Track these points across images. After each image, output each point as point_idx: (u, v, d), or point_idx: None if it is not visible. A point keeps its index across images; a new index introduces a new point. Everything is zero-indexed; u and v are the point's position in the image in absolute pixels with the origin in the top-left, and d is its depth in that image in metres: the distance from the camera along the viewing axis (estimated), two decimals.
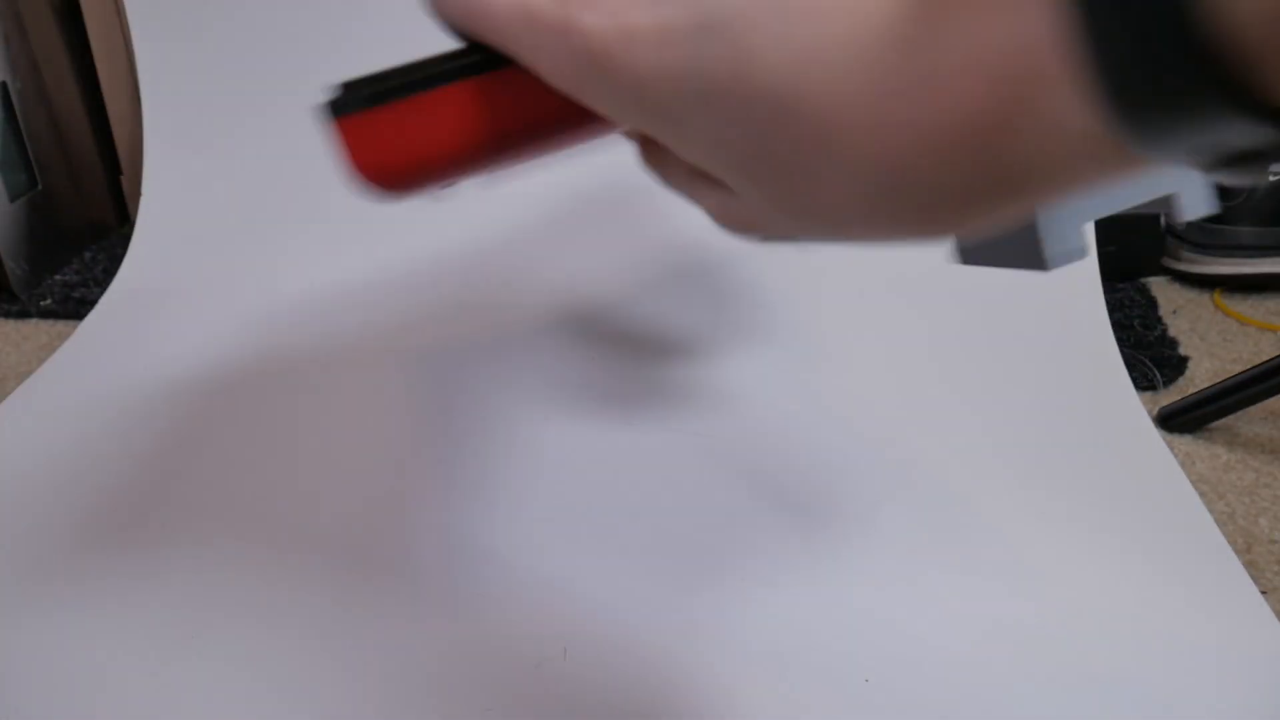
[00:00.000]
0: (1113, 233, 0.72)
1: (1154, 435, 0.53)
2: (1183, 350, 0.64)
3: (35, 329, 0.72)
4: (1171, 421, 0.56)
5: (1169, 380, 0.61)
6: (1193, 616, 0.41)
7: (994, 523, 0.47)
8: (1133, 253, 0.73)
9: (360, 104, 0.24)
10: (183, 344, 0.67)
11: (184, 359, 0.65)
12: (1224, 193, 0.71)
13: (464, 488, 0.51)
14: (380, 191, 0.25)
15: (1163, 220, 0.72)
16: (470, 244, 0.77)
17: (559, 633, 0.40)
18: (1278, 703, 0.37)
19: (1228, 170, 0.15)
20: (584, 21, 0.19)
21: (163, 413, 0.58)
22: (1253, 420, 0.56)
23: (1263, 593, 0.43)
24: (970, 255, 0.31)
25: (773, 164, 0.18)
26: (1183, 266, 0.74)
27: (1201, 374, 0.62)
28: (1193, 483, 0.50)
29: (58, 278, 0.79)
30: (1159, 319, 0.68)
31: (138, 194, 0.82)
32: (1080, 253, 0.28)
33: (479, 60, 0.24)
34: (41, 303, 0.75)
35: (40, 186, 0.79)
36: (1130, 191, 0.29)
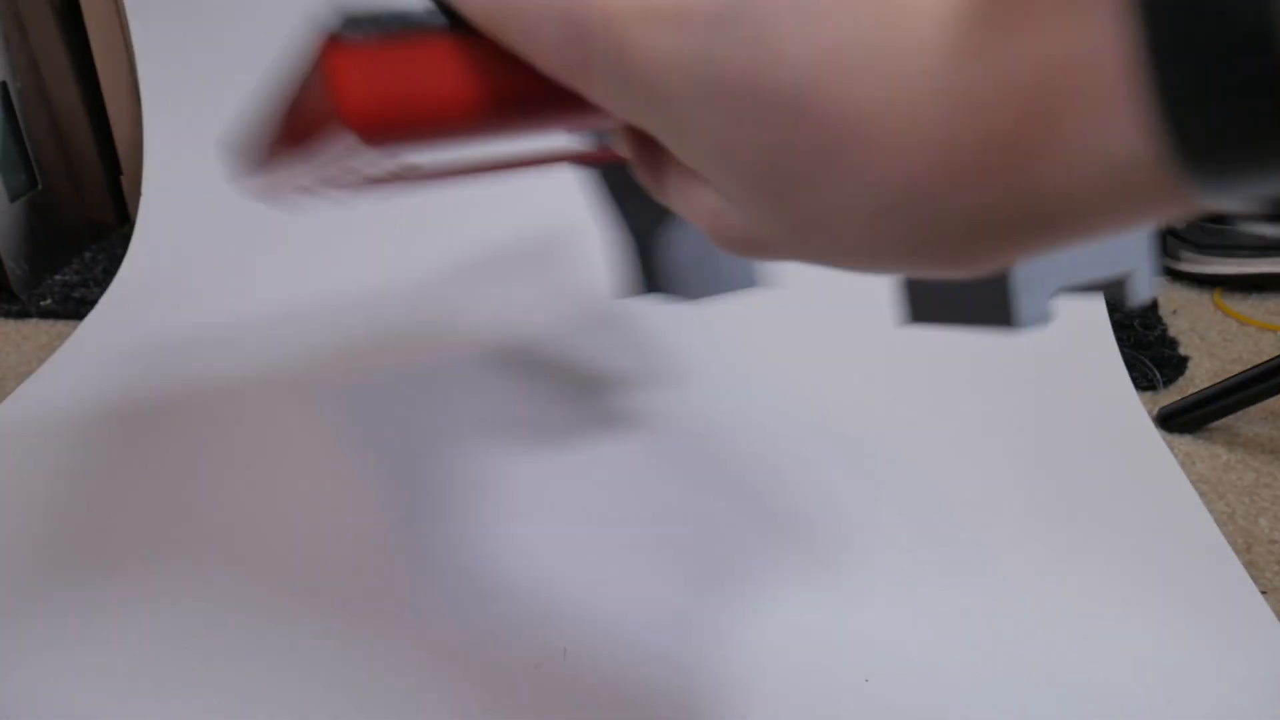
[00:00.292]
0: None
1: (1154, 435, 0.53)
2: (1183, 350, 0.64)
3: (35, 329, 0.72)
4: (1171, 421, 0.56)
5: (1169, 380, 0.61)
6: (1193, 616, 0.41)
7: (994, 523, 0.47)
8: None
9: (366, 38, 0.22)
10: (182, 344, 0.67)
11: (183, 359, 0.65)
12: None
13: (465, 487, 0.51)
14: (361, 140, 0.24)
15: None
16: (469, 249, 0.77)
17: (559, 634, 0.41)
18: (1278, 703, 0.37)
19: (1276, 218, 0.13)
20: None
21: (161, 414, 0.58)
22: (1253, 420, 0.56)
23: (1263, 593, 0.43)
24: (922, 312, 0.29)
25: (780, 173, 0.16)
26: (1183, 266, 0.74)
27: (1201, 374, 0.62)
28: (1193, 483, 0.50)
29: (58, 278, 0.79)
30: (1159, 319, 0.68)
31: (138, 194, 0.82)
32: (1049, 317, 0.27)
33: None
34: (41, 303, 0.75)
35: (40, 186, 0.79)
36: (1096, 264, 0.28)
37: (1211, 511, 0.48)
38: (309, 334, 0.67)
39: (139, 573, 0.46)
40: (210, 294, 0.73)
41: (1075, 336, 0.61)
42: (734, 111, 0.16)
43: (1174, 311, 0.70)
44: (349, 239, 0.78)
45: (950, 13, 0.14)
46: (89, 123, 0.84)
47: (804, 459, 0.52)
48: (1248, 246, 0.71)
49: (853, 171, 0.15)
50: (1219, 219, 0.71)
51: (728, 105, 0.16)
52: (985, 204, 0.15)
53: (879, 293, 0.59)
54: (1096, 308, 0.62)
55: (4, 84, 0.75)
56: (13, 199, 0.76)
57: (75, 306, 0.73)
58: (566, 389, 0.58)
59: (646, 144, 0.22)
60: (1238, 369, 0.57)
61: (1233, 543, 0.46)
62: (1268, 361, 0.54)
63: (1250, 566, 0.45)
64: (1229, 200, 0.13)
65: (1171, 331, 0.66)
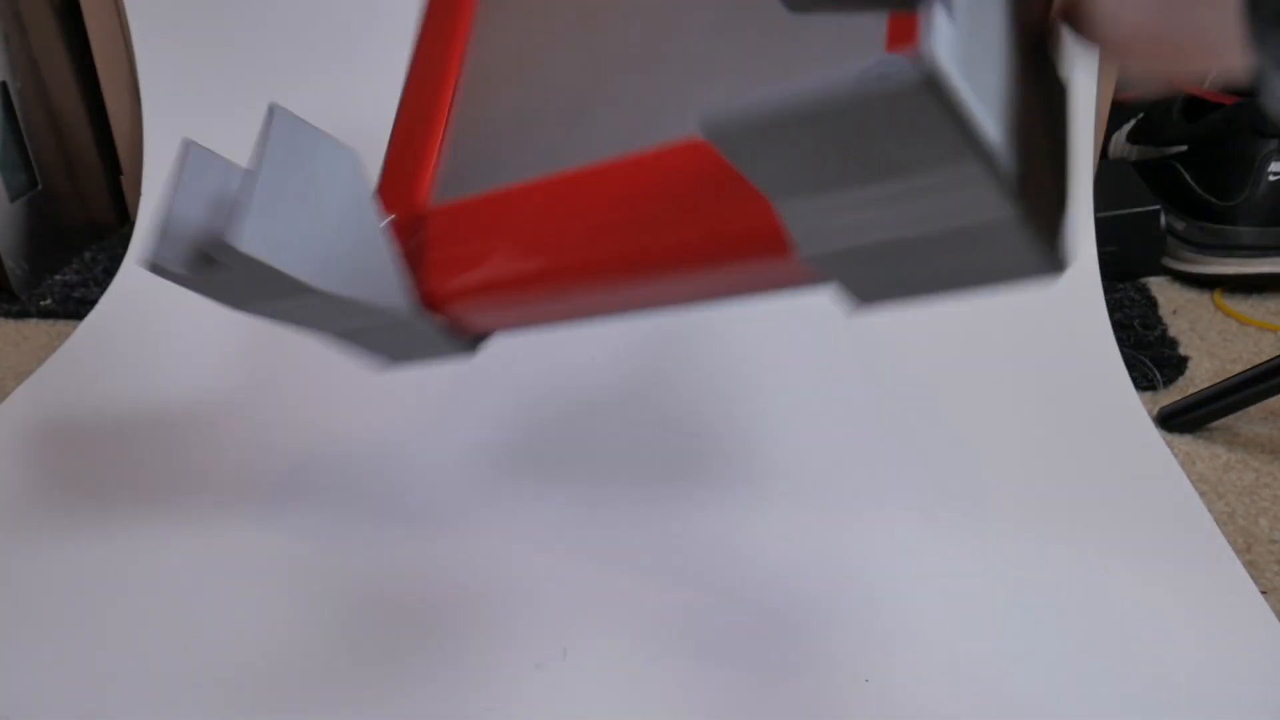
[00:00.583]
0: (1113, 233, 0.72)
1: (1154, 435, 0.53)
2: (1183, 350, 0.64)
3: (35, 329, 0.72)
4: (1171, 421, 0.56)
5: (1169, 380, 0.61)
6: (1193, 616, 0.41)
7: (994, 522, 0.47)
8: (1133, 253, 0.73)
9: None
10: (183, 344, 0.67)
11: (183, 359, 0.65)
12: (1223, 192, 0.71)
13: (464, 487, 0.51)
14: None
15: (1163, 220, 0.72)
16: None
17: (559, 634, 0.41)
18: (1278, 703, 0.37)
19: None
20: None
21: (162, 414, 0.58)
22: (1253, 420, 0.56)
23: (1263, 593, 0.43)
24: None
25: None
26: (1183, 266, 0.74)
27: (1201, 374, 0.62)
28: (1193, 483, 0.50)
29: (58, 278, 0.79)
30: (1159, 319, 0.68)
31: (138, 194, 0.81)
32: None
33: None
34: (41, 303, 0.75)
35: (40, 186, 0.79)
36: None
37: (1211, 511, 0.48)
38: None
39: (138, 574, 0.46)
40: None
41: (1075, 337, 0.61)
42: None
43: (1174, 311, 0.70)
44: None
45: None
46: (89, 123, 0.84)
47: (800, 454, 0.51)
48: (1248, 246, 0.71)
49: None
50: (1219, 219, 0.71)
51: None
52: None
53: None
54: (1097, 308, 0.62)
55: (4, 84, 0.75)
56: (13, 199, 0.76)
57: (75, 306, 0.73)
58: (559, 394, 0.58)
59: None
60: (1238, 369, 0.57)
61: (1233, 543, 0.46)
62: (1268, 361, 0.54)
63: (1250, 566, 0.45)
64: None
65: (1171, 331, 0.66)
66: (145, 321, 0.70)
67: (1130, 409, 0.55)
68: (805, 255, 0.25)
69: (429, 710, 0.38)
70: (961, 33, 0.18)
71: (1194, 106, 0.77)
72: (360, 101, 0.80)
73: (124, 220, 0.87)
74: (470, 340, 0.36)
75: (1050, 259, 0.23)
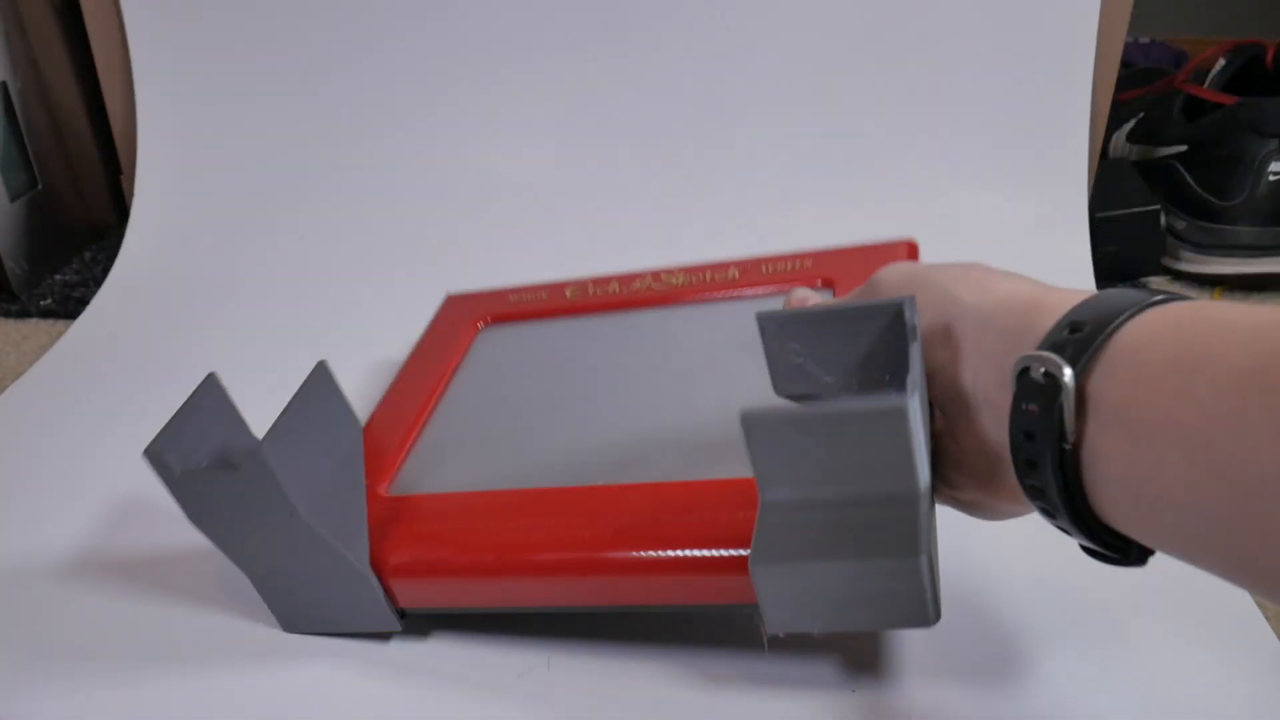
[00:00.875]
0: (1113, 232, 0.72)
1: None
2: None
3: (35, 329, 0.73)
4: None
5: None
6: (1193, 616, 0.41)
7: (994, 524, 0.47)
8: (1133, 253, 0.73)
9: None
10: (177, 342, 0.68)
11: (179, 357, 0.65)
12: (1223, 192, 0.71)
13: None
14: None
15: (1163, 220, 0.72)
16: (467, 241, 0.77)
17: (543, 643, 0.41)
18: (1277, 705, 0.37)
19: None
20: None
21: (157, 413, 0.58)
22: None
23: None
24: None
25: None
26: (1183, 266, 0.73)
27: None
28: None
29: (58, 278, 0.79)
30: None
31: None
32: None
33: None
34: (41, 302, 0.75)
35: (40, 186, 0.79)
36: None
37: None
38: (306, 331, 0.68)
39: (137, 573, 0.46)
40: (205, 292, 0.74)
41: None
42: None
43: None
44: (347, 238, 0.78)
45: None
46: (89, 123, 0.84)
47: None
48: (1248, 246, 0.70)
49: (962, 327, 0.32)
50: (1219, 218, 0.71)
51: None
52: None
53: None
54: None
55: (4, 84, 0.75)
56: (13, 199, 0.76)
57: (75, 306, 0.73)
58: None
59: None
60: None
61: None
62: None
63: None
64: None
65: None
66: (139, 319, 0.71)
67: None
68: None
69: (412, 717, 0.38)
70: (913, 407, 0.27)
71: (1194, 106, 0.77)
72: (357, 110, 0.80)
73: (124, 220, 0.87)
74: (399, 612, 0.40)
75: (934, 610, 0.30)
